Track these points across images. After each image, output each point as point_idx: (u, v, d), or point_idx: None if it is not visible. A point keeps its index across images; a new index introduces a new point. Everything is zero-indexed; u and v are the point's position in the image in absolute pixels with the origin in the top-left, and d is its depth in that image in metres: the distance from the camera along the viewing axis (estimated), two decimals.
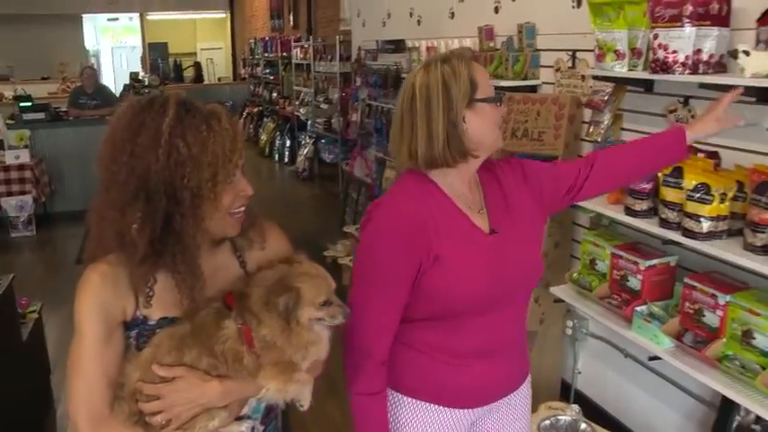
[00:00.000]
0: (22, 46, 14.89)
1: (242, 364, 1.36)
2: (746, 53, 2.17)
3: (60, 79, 13.34)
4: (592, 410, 3.19)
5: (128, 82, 9.01)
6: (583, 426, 2.82)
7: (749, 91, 2.26)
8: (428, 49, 4.32)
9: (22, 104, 8.19)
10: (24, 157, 7.15)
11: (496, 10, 3.98)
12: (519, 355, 1.79)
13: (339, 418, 3.66)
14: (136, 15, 17.57)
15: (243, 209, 1.39)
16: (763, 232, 2.07)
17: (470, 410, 1.71)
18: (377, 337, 1.58)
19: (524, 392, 1.84)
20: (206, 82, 16.21)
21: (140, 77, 9.14)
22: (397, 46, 5.24)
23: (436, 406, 1.68)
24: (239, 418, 1.46)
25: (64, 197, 7.80)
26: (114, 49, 18.39)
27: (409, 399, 1.69)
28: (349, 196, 6.57)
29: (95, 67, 12.78)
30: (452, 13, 4.51)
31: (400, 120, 1.61)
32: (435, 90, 1.53)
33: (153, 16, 17.69)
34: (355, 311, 1.50)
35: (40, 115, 7.88)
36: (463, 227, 1.59)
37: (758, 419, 2.33)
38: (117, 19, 17.88)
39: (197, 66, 16.45)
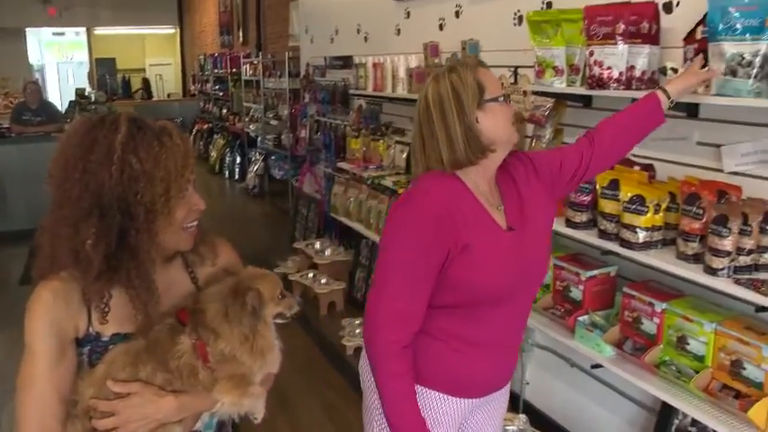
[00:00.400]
0: None
1: (197, 379, 1.37)
2: (675, 70, 2.26)
3: (2, 95, 13.00)
4: (540, 420, 3.24)
5: (74, 98, 8.82)
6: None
7: (679, 107, 2.36)
8: (375, 65, 4.36)
9: None
10: None
11: (441, 27, 4.05)
12: (517, 350, 1.91)
13: None
14: (83, 30, 17.28)
15: (195, 223, 1.40)
16: (694, 241, 2.14)
17: (470, 401, 1.80)
18: (400, 324, 1.63)
19: (507, 389, 1.95)
20: (155, 98, 16.01)
21: (87, 93, 8.95)
22: (345, 62, 5.28)
23: (438, 393, 1.75)
24: None
25: (7, 216, 7.58)
26: (60, 64, 18.03)
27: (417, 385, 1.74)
28: (299, 212, 6.55)
29: (40, 82, 12.52)
30: (398, 30, 4.57)
31: (419, 130, 1.72)
32: (447, 98, 1.65)
33: (100, 31, 17.41)
34: (379, 301, 1.62)
35: None
36: (486, 222, 1.69)
37: (694, 422, 2.40)
38: (63, 34, 17.55)
39: (146, 82, 16.25)
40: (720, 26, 2.00)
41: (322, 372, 4.27)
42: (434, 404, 1.75)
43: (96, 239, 1.28)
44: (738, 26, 1.95)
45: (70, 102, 8.56)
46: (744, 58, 1.94)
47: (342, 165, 4.93)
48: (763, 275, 2.01)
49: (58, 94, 16.11)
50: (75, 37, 17.65)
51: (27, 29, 16.21)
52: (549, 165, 1.85)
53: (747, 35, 1.94)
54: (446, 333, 1.71)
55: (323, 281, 5.10)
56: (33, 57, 17.05)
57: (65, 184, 1.30)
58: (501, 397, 1.92)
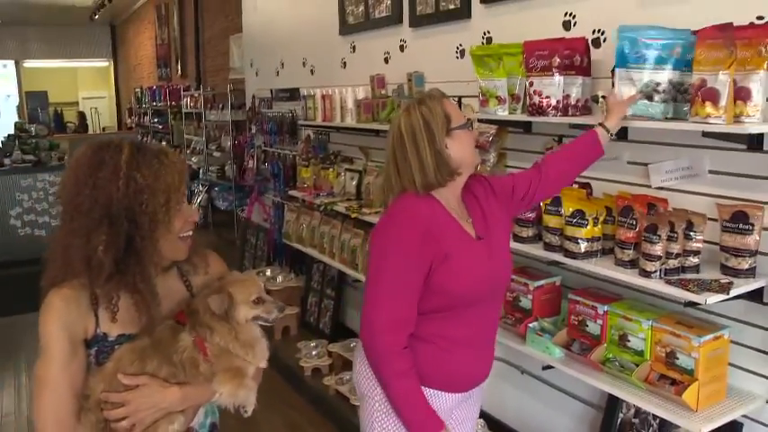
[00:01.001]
0: None
1: (198, 371, 1.54)
2: (605, 97, 2.54)
3: None
4: (494, 425, 3.46)
5: (12, 132, 8.71)
6: None
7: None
8: (323, 96, 4.56)
9: None
10: None
11: (386, 60, 4.29)
12: (493, 344, 2.16)
13: None
14: (11, 62, 16.96)
15: (190, 233, 1.59)
16: (629, 248, 2.41)
17: (457, 395, 2.05)
18: (397, 329, 1.85)
19: (484, 385, 2.21)
20: (91, 132, 15.81)
21: (26, 127, 8.85)
22: (292, 94, 5.47)
23: (432, 390, 1.97)
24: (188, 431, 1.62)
25: None
26: None
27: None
28: (247, 241, 6.67)
29: None
30: (344, 63, 4.80)
31: (393, 157, 1.95)
32: (419, 128, 1.89)
33: (30, 64, 17.11)
34: (375, 310, 1.84)
35: None
36: (459, 233, 1.95)
37: (636, 413, 2.66)
38: None
39: (81, 115, 16.04)
40: (631, 55, 2.28)
41: (282, 392, 4.40)
42: (429, 401, 1.95)
43: (107, 245, 1.47)
44: (648, 55, 2.25)
45: (9, 135, 8.44)
46: (659, 84, 2.24)
47: (293, 193, 5.09)
48: (689, 275, 2.28)
49: None
50: (2, 69, 17.29)
51: None
52: (503, 186, 2.16)
53: (655, 64, 2.25)
54: (434, 335, 1.94)
55: None
56: None
57: (76, 200, 1.49)
58: (478, 392, 2.19)
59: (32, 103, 16.48)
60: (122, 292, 1.51)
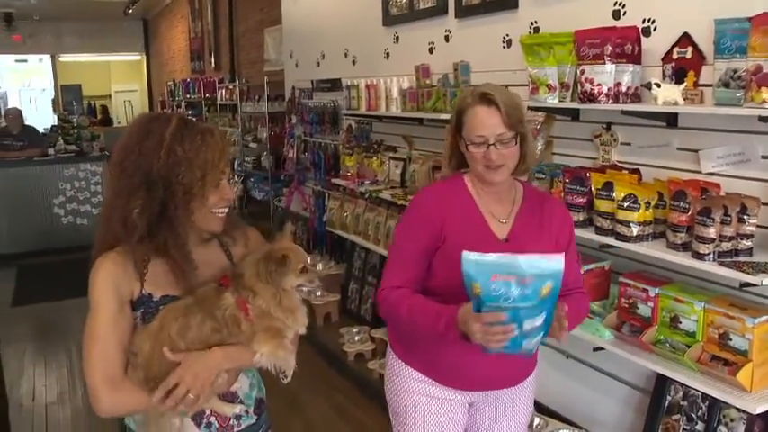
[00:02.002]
0: None
1: (240, 329, 1.60)
2: (658, 85, 2.59)
3: None
4: (538, 408, 3.52)
5: (52, 123, 8.93)
6: (537, 420, 3.14)
7: (660, 117, 2.70)
8: (368, 86, 4.65)
9: None
10: None
11: (431, 51, 4.36)
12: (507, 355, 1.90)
13: None
14: (46, 57, 17.29)
15: (225, 210, 1.67)
16: (682, 232, 2.46)
17: (460, 392, 2.08)
18: (396, 271, 2.02)
19: (521, 394, 2.21)
20: (123, 124, 16.05)
21: (69, 118, 9.07)
22: (333, 84, 5.56)
23: (425, 377, 2.09)
24: (231, 400, 1.70)
25: None
26: (21, 90, 17.95)
27: (403, 363, 2.12)
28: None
29: (2, 108, 12.49)
30: (387, 54, 4.88)
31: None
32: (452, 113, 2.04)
33: (65, 58, 17.43)
34: (384, 272, 2.07)
35: None
36: (477, 226, 1.99)
37: (685, 396, 2.71)
38: (26, 61, 17.52)
39: (104, 109, 16.30)
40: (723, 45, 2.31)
41: (326, 376, 4.50)
42: (410, 376, 2.11)
43: (142, 209, 1.58)
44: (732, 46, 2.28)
45: (52, 126, 8.67)
46: (735, 73, 2.27)
47: (336, 181, 5.19)
48: (742, 258, 2.33)
49: None
50: (38, 64, 17.64)
51: None
52: (565, 235, 2.11)
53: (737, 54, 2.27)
54: None
55: (318, 293, 5.33)
56: None
57: (123, 164, 1.60)
58: (511, 398, 2.19)
59: (67, 96, 16.79)
60: (158, 255, 1.60)
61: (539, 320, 1.70)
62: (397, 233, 2.11)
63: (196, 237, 1.67)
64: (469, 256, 1.63)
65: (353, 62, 5.39)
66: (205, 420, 1.66)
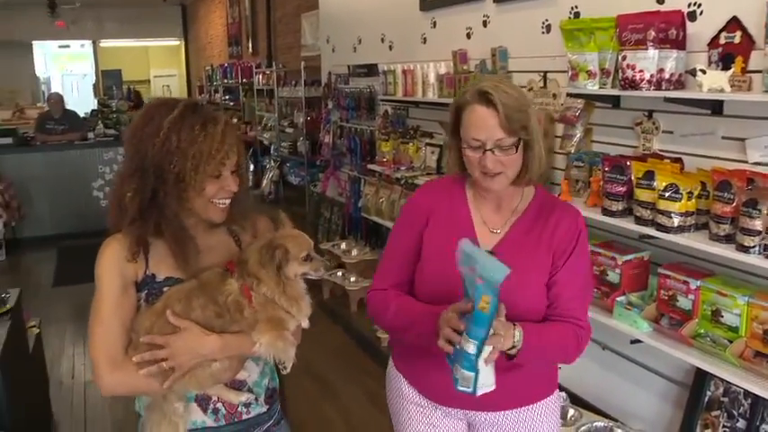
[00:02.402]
0: None
1: (242, 315, 1.59)
2: (703, 71, 2.51)
3: (13, 105, 13.22)
4: (574, 400, 3.47)
5: (92, 107, 9.08)
6: (571, 411, 3.09)
7: (704, 104, 2.62)
8: (405, 71, 4.61)
9: None
10: None
11: (468, 36, 4.30)
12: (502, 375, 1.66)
13: (337, 420, 3.86)
14: (88, 42, 17.55)
15: (226, 201, 1.64)
16: (726, 223, 2.39)
17: (452, 410, 1.90)
18: (385, 271, 1.93)
19: (533, 420, 1.89)
20: None
21: (108, 103, 9.21)
22: (370, 70, 5.53)
23: (415, 391, 1.94)
24: (239, 388, 1.69)
25: (33, 222, 7.83)
26: (64, 76, 18.26)
27: (400, 375, 1.99)
28: (321, 215, 6.79)
29: (46, 93, 12.72)
30: (425, 39, 4.83)
31: None
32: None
33: (106, 43, 17.67)
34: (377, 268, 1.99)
35: (8, 140, 7.90)
36: (461, 232, 1.74)
37: (726, 392, 2.64)
38: (68, 46, 17.81)
39: (137, 93, 16.44)
40: None
41: (359, 362, 4.51)
42: (397, 383, 1.98)
43: (134, 193, 1.59)
44: None
45: (92, 110, 8.80)
46: None
47: (372, 167, 5.17)
48: None
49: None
50: (80, 49, 17.93)
51: (34, 42, 16.48)
52: (565, 250, 1.78)
53: None
54: None
55: (352, 279, 5.34)
56: (39, 69, 17.30)
57: (126, 147, 1.63)
58: (521, 424, 1.88)
59: (108, 81, 17.05)
60: (157, 237, 1.61)
61: (470, 345, 1.52)
62: (391, 231, 2.01)
63: (202, 222, 1.67)
64: (463, 246, 1.55)
65: (390, 47, 5.35)
66: (212, 406, 1.67)
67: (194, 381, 1.59)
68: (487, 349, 1.54)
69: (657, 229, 2.61)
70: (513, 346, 1.62)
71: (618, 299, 2.82)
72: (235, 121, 11.75)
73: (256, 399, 1.72)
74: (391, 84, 4.79)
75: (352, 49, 6.05)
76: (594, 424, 2.91)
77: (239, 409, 1.69)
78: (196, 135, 1.54)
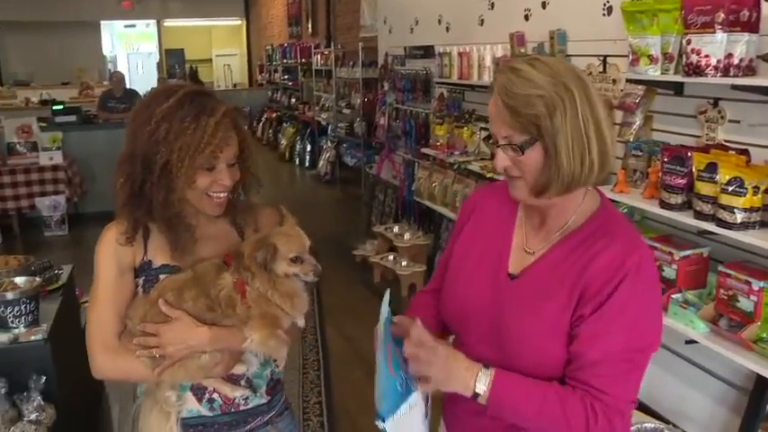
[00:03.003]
0: (42, 52, 15.23)
1: (234, 311, 1.55)
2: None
3: (79, 84, 13.59)
4: None
5: (155, 86, 9.22)
6: None
7: None
8: (460, 54, 4.51)
9: (54, 107, 8.41)
10: (57, 158, 7.40)
11: (527, 17, 4.17)
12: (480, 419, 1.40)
13: None
14: (152, 22, 17.88)
15: (222, 194, 1.59)
16: None
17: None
18: (435, 272, 1.71)
19: None
20: (222, 88, 16.47)
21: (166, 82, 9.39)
22: (426, 51, 5.43)
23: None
24: (236, 381, 1.65)
25: (95, 198, 8.01)
26: (130, 55, 18.67)
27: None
28: (375, 198, 6.75)
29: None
30: (482, 21, 4.70)
31: None
32: None
33: (169, 23, 17.98)
34: None
35: (72, 118, 8.10)
36: (495, 247, 1.47)
37: None
38: (134, 26, 18.18)
39: (192, 70, 16.66)
40: None
41: None
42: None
43: (125, 180, 1.56)
44: None
45: (152, 89, 8.93)
46: None
47: (426, 150, 5.10)
48: None
49: (129, 84, 16.71)
50: (145, 29, 18.27)
51: (102, 22, 16.88)
52: (595, 295, 1.29)
53: None
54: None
55: (404, 263, 5.29)
56: (106, 48, 17.73)
57: (126, 132, 1.60)
58: None
59: (171, 60, 17.38)
60: (152, 223, 1.60)
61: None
62: None
63: (190, 210, 1.63)
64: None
65: (447, 29, 5.24)
66: (207, 396, 1.64)
67: (183, 371, 1.56)
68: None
69: (718, 225, 2.47)
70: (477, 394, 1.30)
71: (673, 296, 2.69)
72: (293, 100, 11.80)
73: (255, 391, 1.69)
74: (447, 66, 4.70)
75: (408, 31, 5.96)
76: (644, 425, 2.78)
77: (237, 400, 1.66)
78: (185, 127, 1.49)
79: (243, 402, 1.67)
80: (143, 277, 1.61)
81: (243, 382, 1.67)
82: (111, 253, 1.58)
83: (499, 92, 1.30)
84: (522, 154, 1.29)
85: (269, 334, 1.55)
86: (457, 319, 1.50)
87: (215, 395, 1.64)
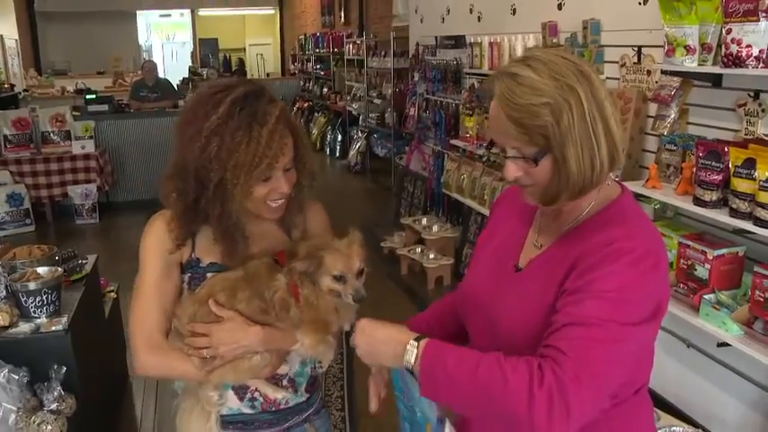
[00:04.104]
0: (79, 42, 15.42)
1: (288, 314, 1.50)
2: None
3: (115, 74, 13.73)
4: (653, 399, 3.26)
5: (186, 75, 9.28)
6: None
7: None
8: (491, 44, 4.42)
9: (87, 97, 8.49)
10: (89, 147, 7.47)
11: (560, 7, 4.06)
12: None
13: None
14: (187, 12, 17.99)
15: (279, 201, 1.53)
16: None
17: None
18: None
19: None
20: (255, 77, 16.53)
21: (199, 71, 9.40)
22: (457, 41, 5.35)
23: None
24: (278, 381, 1.62)
25: (126, 187, 8.10)
26: (165, 44, 18.82)
27: None
28: (404, 189, 6.69)
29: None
30: (514, 10, 4.60)
31: None
32: None
33: (204, 12, 18.07)
34: None
35: (104, 107, 8.16)
36: (513, 240, 1.43)
37: None
38: (169, 15, 18.33)
39: (240, 61, 16.78)
40: None
41: None
42: None
43: (177, 195, 1.50)
44: None
45: (183, 78, 9.02)
46: None
47: (455, 142, 5.03)
48: None
49: (163, 73, 16.89)
50: (179, 18, 18.41)
51: (137, 11, 17.03)
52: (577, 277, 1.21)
53: None
54: None
55: (431, 256, 5.23)
56: (142, 38, 17.90)
57: (174, 140, 1.52)
58: None
59: (205, 49, 17.49)
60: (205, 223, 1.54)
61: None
62: None
63: (247, 213, 1.56)
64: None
65: (479, 18, 5.15)
66: (249, 395, 1.61)
67: (232, 372, 1.53)
68: None
69: (756, 224, 2.37)
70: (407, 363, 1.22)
71: (705, 296, 2.60)
72: (326, 89, 11.77)
73: (296, 391, 1.66)
74: (477, 56, 4.62)
75: (440, 20, 5.88)
76: (673, 429, 2.70)
77: (278, 399, 1.63)
78: (237, 142, 1.41)
79: (283, 402, 1.64)
80: (189, 274, 1.57)
81: (285, 382, 1.64)
82: (158, 247, 1.54)
83: (500, 103, 1.20)
84: (536, 165, 1.21)
85: (320, 339, 1.52)
86: (464, 311, 1.47)
87: (257, 394, 1.61)
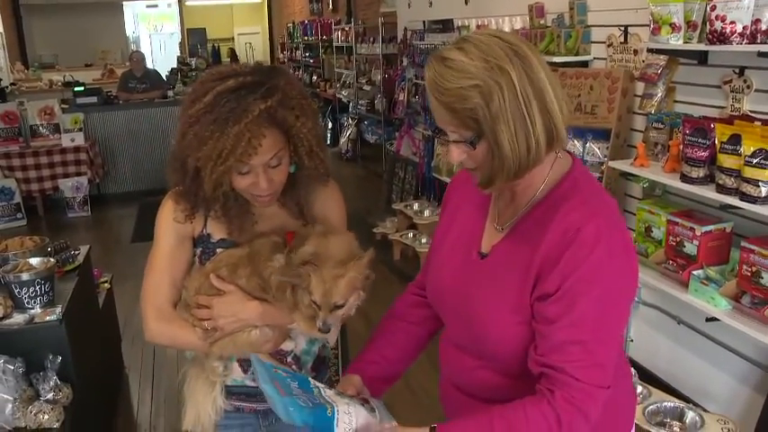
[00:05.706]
0: (65, 34, 15.27)
1: (284, 295, 1.52)
2: None
3: (103, 66, 13.64)
4: (644, 376, 3.30)
5: (175, 66, 9.23)
6: (639, 388, 2.93)
7: None
8: (479, 27, 4.42)
9: (75, 89, 8.44)
10: (79, 139, 7.42)
11: None
12: (464, 394, 1.43)
13: (398, 383, 3.79)
14: (174, 2, 17.86)
15: (265, 197, 1.52)
16: None
17: None
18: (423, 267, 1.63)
19: None
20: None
21: (187, 61, 9.35)
22: (445, 25, 5.34)
23: None
24: (283, 358, 1.64)
25: (116, 179, 8.08)
26: (152, 35, 18.70)
27: None
28: (395, 175, 6.69)
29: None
30: None
31: None
32: None
33: (191, 2, 17.95)
34: None
35: (93, 99, 8.10)
36: (472, 226, 1.43)
37: None
38: (156, 6, 18.18)
39: (233, 52, 16.70)
40: None
41: None
42: None
43: (175, 178, 1.56)
44: None
45: (172, 69, 8.96)
46: None
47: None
48: None
49: (151, 64, 16.77)
50: (166, 9, 18.26)
51: (123, 2, 16.89)
52: (553, 274, 1.21)
53: None
54: None
55: (423, 240, 5.24)
56: (129, 29, 17.77)
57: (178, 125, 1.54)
58: None
59: (193, 39, 17.38)
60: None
61: None
62: None
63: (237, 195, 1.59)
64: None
65: (466, 1, 5.13)
66: (252, 369, 1.62)
67: (232, 345, 1.57)
68: None
69: (742, 199, 2.40)
70: None
71: (694, 272, 2.62)
72: (314, 77, 11.72)
73: (300, 369, 1.67)
74: None
75: (428, 4, 5.86)
76: (664, 404, 2.73)
77: None
78: (208, 136, 1.40)
79: None
80: (200, 248, 1.62)
81: (290, 359, 1.66)
82: (171, 222, 1.59)
83: (431, 88, 1.20)
84: (475, 149, 1.20)
85: (312, 326, 1.51)
86: (435, 302, 1.48)
87: None
